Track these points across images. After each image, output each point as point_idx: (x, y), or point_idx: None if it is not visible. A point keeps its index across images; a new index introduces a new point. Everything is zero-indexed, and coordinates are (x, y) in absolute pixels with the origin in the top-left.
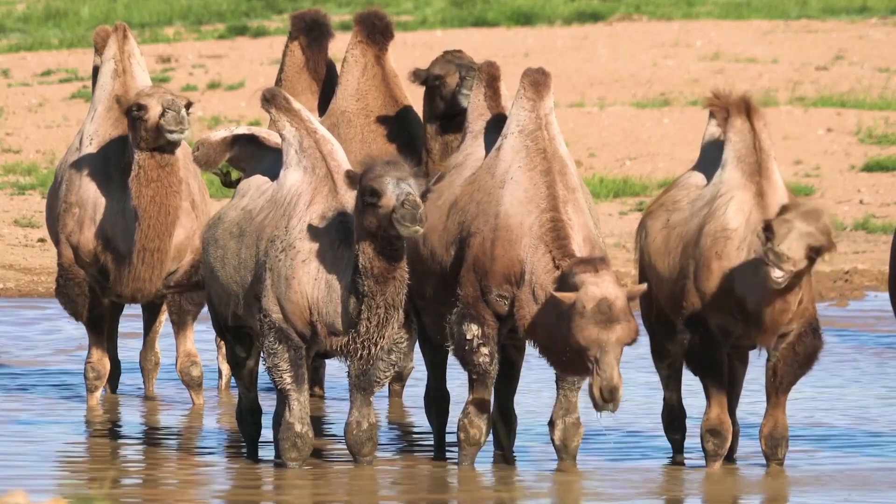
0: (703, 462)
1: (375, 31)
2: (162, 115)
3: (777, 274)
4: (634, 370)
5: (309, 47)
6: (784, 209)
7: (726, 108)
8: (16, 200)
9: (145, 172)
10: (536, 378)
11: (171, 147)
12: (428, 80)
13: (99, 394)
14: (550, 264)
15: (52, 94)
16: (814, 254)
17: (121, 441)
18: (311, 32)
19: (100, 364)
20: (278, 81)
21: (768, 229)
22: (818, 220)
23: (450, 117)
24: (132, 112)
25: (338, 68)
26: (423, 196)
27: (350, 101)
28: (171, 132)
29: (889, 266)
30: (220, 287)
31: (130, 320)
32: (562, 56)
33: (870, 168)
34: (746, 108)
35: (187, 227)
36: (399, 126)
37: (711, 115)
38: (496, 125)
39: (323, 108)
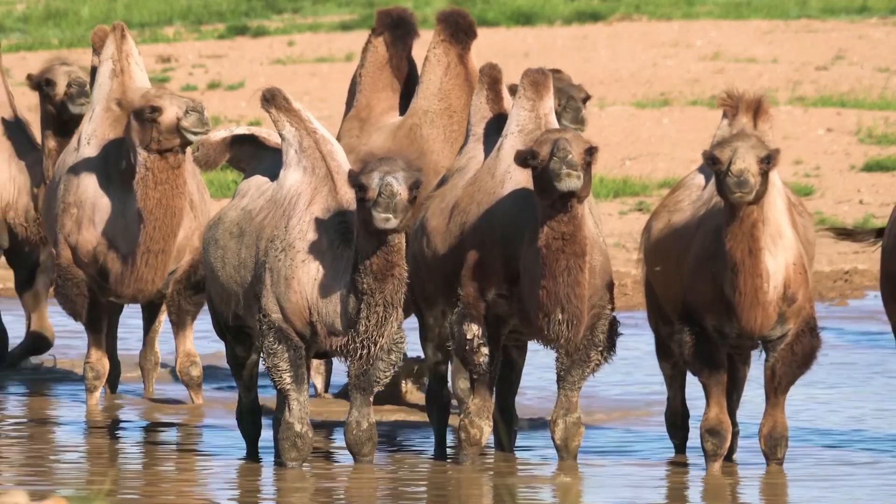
0: (703, 462)
1: (459, 30)
2: (184, 116)
3: (742, 193)
4: (637, 369)
5: (393, 44)
6: (716, 144)
7: (737, 106)
8: None
9: (154, 174)
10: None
11: (183, 148)
12: None
13: (98, 394)
14: None
15: None
16: (765, 165)
17: (121, 441)
18: (397, 30)
19: (99, 364)
20: (356, 76)
21: (714, 160)
22: (749, 137)
23: None
24: (145, 114)
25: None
26: (416, 188)
27: (433, 101)
28: (196, 133)
29: (880, 264)
30: (221, 287)
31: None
32: (562, 56)
33: (870, 168)
34: (755, 109)
35: (186, 227)
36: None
37: (724, 114)
38: (498, 127)
39: (402, 106)
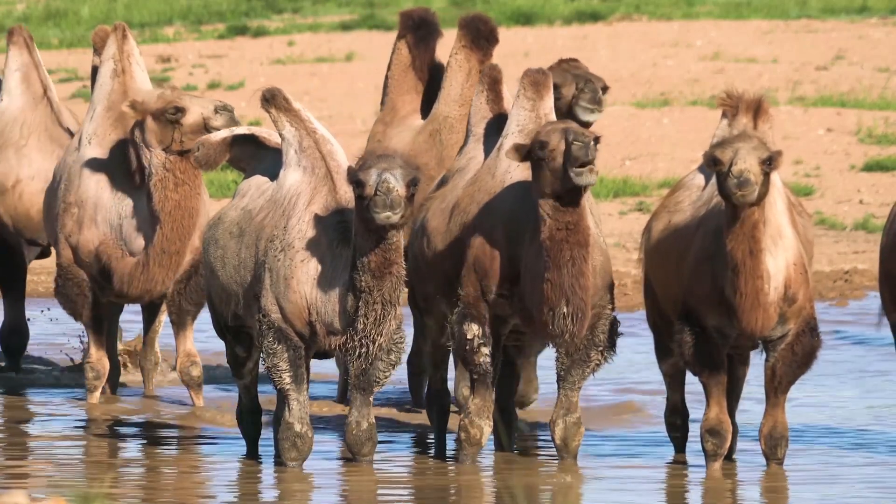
0: (703, 462)
1: (480, 36)
2: (214, 116)
3: (742, 193)
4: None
5: (416, 46)
6: (717, 144)
7: (737, 106)
8: None
9: (175, 176)
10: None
11: None
12: None
13: (98, 393)
14: None
15: None
16: (766, 167)
17: (121, 441)
18: (419, 31)
19: (99, 364)
20: (385, 80)
21: (715, 161)
22: (751, 138)
23: None
24: (168, 114)
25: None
26: (413, 185)
27: (453, 107)
28: None
29: (879, 264)
30: (221, 287)
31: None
32: (562, 56)
33: (870, 168)
34: (755, 109)
35: None
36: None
37: (724, 114)
38: (498, 127)
39: (427, 108)
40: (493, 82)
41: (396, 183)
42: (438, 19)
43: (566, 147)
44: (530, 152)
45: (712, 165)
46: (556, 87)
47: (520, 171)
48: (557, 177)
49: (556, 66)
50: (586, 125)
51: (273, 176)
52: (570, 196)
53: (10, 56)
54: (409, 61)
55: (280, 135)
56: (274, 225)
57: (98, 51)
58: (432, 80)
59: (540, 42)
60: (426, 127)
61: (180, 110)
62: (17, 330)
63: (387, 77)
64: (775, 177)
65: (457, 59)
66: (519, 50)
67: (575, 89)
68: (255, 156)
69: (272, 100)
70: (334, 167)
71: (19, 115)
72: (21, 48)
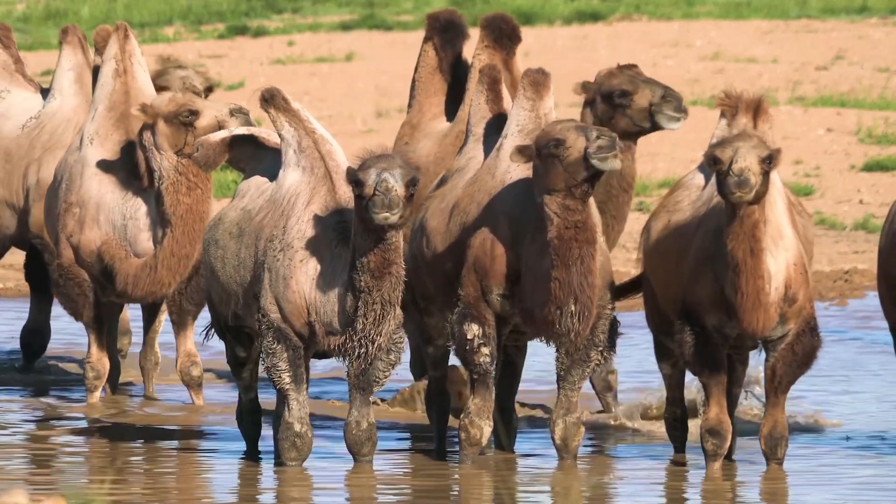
0: (703, 462)
1: (503, 36)
2: (230, 118)
3: (741, 193)
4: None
5: (443, 48)
6: (717, 144)
7: (736, 106)
8: None
9: (188, 179)
10: None
11: None
12: (612, 95)
13: (99, 393)
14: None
15: None
16: (766, 165)
17: (121, 441)
18: (446, 33)
19: (99, 364)
20: (413, 82)
21: (715, 160)
22: (751, 137)
23: (633, 135)
24: (182, 117)
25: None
26: (413, 185)
27: None
28: None
29: (878, 265)
30: (220, 287)
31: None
32: (562, 56)
33: (870, 168)
34: (755, 109)
35: None
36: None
37: (722, 114)
38: (497, 127)
39: (451, 109)
40: (492, 82)
41: (395, 183)
42: (464, 21)
43: (588, 142)
44: (539, 151)
45: (712, 165)
46: (627, 94)
47: (520, 171)
48: (575, 168)
49: (619, 72)
50: (631, 134)
51: (272, 176)
52: (586, 187)
53: (63, 55)
54: (435, 63)
55: (279, 135)
56: (273, 225)
57: (100, 51)
58: (458, 82)
59: (540, 42)
60: (453, 129)
61: (194, 113)
62: (40, 331)
63: (414, 79)
64: (775, 176)
65: (480, 60)
66: (519, 50)
67: (651, 96)
68: (255, 156)
69: (271, 100)
70: (333, 167)
71: (73, 116)
72: (75, 48)
